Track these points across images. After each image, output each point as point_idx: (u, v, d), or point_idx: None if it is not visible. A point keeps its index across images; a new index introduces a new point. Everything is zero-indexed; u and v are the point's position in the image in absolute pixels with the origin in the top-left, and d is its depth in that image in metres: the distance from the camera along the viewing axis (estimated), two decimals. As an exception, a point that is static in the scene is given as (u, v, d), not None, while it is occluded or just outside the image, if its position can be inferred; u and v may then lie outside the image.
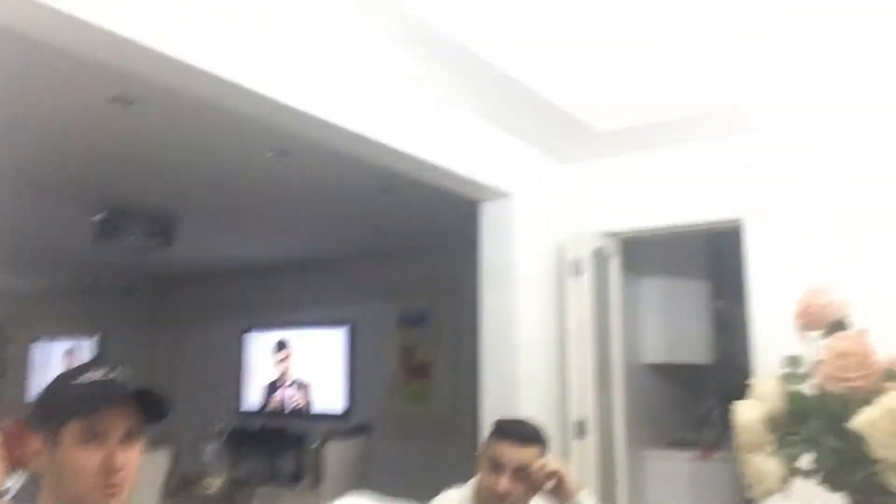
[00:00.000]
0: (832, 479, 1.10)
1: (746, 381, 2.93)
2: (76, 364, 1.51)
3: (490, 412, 3.55)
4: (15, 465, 2.99)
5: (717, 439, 4.53)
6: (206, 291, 7.50)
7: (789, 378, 1.27)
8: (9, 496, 2.65)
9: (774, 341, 2.91)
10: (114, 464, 1.24)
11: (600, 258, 3.79)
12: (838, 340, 1.15)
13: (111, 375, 1.30)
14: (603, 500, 3.67)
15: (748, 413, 1.24)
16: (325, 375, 6.54)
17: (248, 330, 7.12)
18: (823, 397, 1.17)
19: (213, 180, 4.19)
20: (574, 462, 3.51)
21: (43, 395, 1.31)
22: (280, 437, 6.51)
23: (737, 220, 3.45)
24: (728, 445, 4.32)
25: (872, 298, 2.47)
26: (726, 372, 4.64)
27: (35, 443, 1.27)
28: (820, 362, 1.19)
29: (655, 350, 4.60)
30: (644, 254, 4.37)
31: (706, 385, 4.98)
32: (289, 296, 6.80)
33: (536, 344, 3.66)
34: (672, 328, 4.64)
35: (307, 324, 6.73)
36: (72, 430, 1.24)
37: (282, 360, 6.86)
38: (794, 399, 1.21)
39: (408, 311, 6.09)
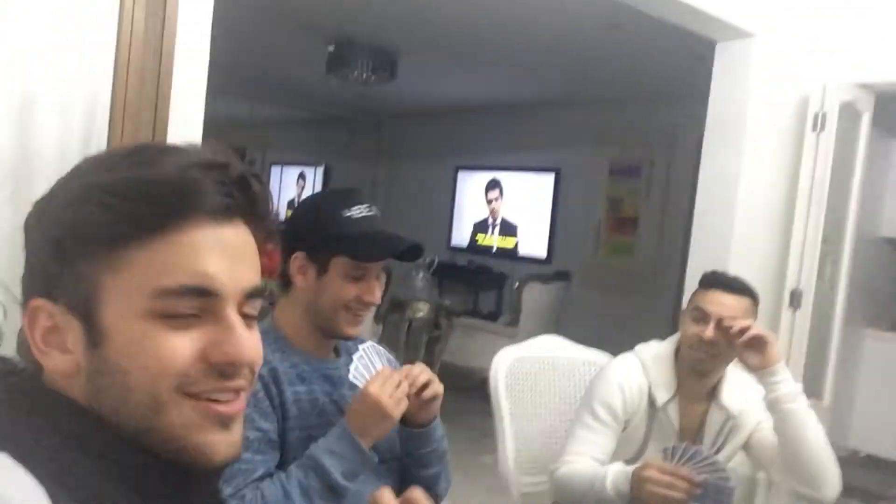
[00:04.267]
0: None
1: None
2: (316, 189, 1.59)
3: (696, 272, 3.41)
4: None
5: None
6: (424, 129, 7.73)
7: None
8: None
9: None
10: (372, 299, 1.36)
11: (849, 113, 3.37)
12: None
13: (373, 212, 1.39)
14: (810, 378, 3.49)
15: None
16: (531, 220, 6.62)
17: (460, 169, 7.30)
18: None
19: (436, 16, 4.17)
20: (784, 333, 3.33)
21: (313, 222, 1.39)
22: (484, 275, 6.80)
23: None
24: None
25: None
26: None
27: (298, 260, 1.36)
28: None
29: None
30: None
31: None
32: (500, 138, 6.83)
33: (758, 204, 3.40)
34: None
35: (516, 168, 6.77)
36: (341, 264, 1.34)
37: (492, 201, 7.02)
38: None
39: (619, 162, 5.89)
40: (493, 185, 6.99)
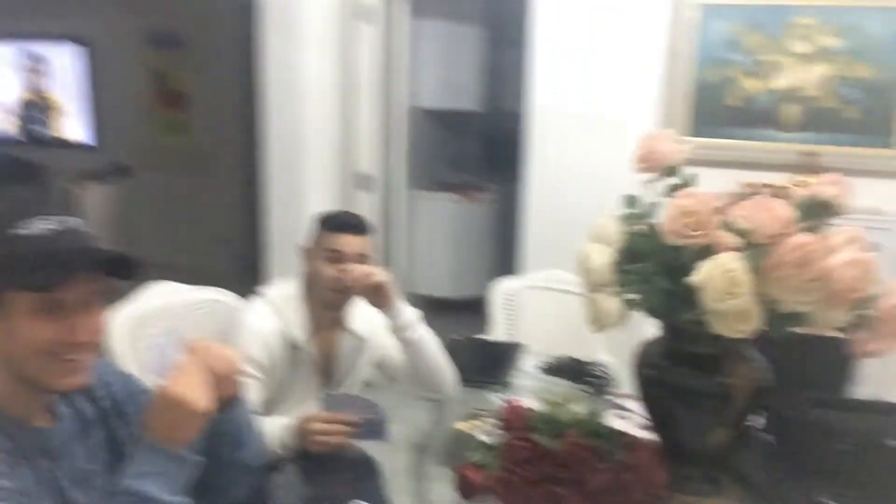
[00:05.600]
0: (657, 311, 1.26)
1: (513, 129, 3.05)
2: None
3: (276, 160, 3.54)
4: None
5: (481, 182, 4.95)
6: None
7: (629, 219, 1.33)
8: None
9: (550, 95, 3.08)
10: (75, 338, 1.04)
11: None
12: (683, 198, 1.25)
13: (65, 225, 1.04)
14: (384, 245, 3.95)
15: (595, 256, 1.27)
16: (63, 100, 5.78)
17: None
18: (661, 242, 1.25)
19: None
20: (359, 211, 3.65)
21: None
22: (14, 168, 5.77)
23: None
24: (491, 188, 4.72)
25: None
26: (494, 119, 4.90)
27: None
28: (662, 213, 1.26)
29: (430, 96, 4.64)
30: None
31: (474, 130, 5.25)
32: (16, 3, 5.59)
33: (324, 92, 3.57)
34: (446, 74, 4.70)
35: (36, 38, 5.74)
36: (22, 299, 1.00)
37: (14, 78, 5.90)
38: (634, 240, 1.30)
39: (157, 32, 5.35)
40: (16, 60, 5.85)
